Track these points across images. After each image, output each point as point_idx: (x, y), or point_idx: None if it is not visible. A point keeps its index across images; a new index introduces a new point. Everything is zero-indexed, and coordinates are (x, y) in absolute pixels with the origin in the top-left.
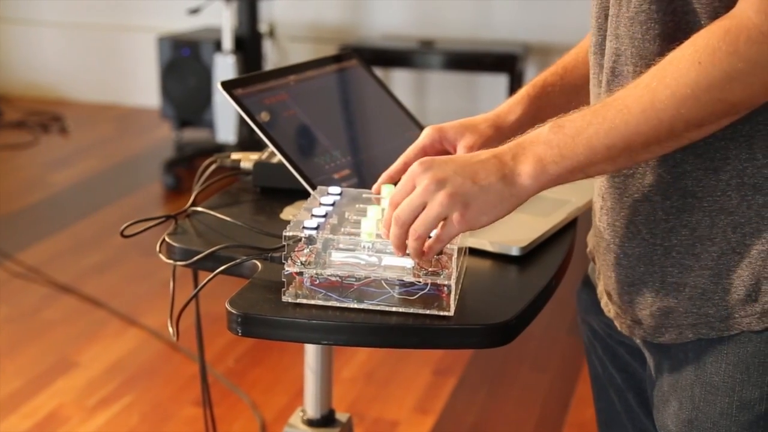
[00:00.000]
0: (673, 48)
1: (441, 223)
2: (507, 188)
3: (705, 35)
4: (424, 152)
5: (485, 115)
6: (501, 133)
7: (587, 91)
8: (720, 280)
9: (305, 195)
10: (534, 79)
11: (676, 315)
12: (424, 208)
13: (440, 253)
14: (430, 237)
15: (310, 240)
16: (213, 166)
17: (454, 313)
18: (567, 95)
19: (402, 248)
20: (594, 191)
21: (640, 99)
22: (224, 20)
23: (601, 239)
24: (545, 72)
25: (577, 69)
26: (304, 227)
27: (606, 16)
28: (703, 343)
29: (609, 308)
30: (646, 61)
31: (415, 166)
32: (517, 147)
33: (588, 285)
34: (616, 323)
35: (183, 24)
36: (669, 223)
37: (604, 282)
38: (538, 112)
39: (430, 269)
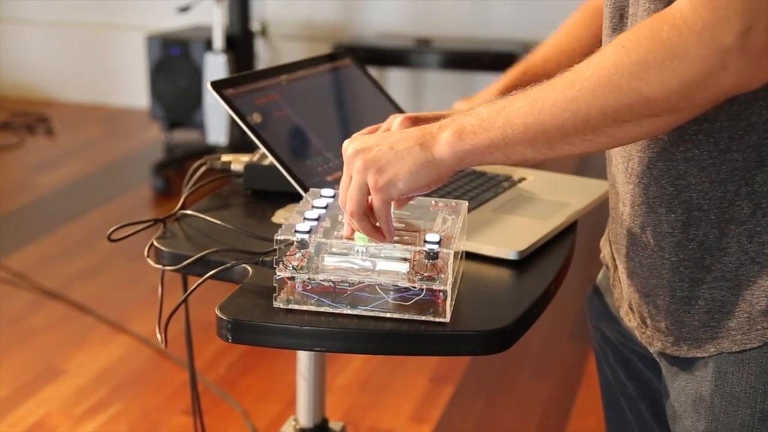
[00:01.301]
0: None
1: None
2: (423, 154)
3: (642, 22)
4: None
5: (461, 108)
6: None
7: None
8: (740, 291)
9: (297, 198)
10: (509, 72)
11: (692, 329)
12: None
13: (435, 257)
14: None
15: (302, 244)
16: (203, 169)
17: (451, 319)
18: None
19: (375, 234)
20: (612, 197)
21: (564, 79)
22: (215, 18)
23: (621, 245)
24: (521, 64)
25: (553, 63)
26: (296, 231)
27: (621, 16)
28: (725, 354)
29: (630, 317)
30: None
31: (345, 143)
32: (448, 119)
33: (599, 291)
34: (637, 333)
35: (172, 22)
36: (675, 237)
37: (625, 290)
38: None
39: (425, 274)
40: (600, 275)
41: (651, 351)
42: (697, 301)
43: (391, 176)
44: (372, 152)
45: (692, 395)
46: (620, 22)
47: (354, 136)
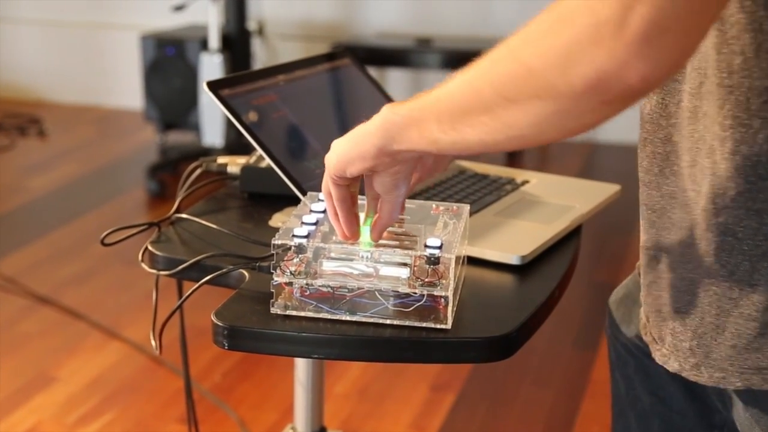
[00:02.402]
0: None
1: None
2: (360, 127)
3: None
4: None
5: None
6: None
7: None
8: (767, 332)
9: (295, 201)
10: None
11: (718, 357)
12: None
13: (436, 262)
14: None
15: (300, 249)
16: (198, 171)
17: (452, 325)
18: None
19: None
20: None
21: (487, 54)
22: (211, 17)
23: (659, 251)
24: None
25: None
26: (293, 235)
27: None
28: (760, 393)
29: (646, 330)
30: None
31: None
32: None
33: (623, 297)
34: (651, 349)
35: (167, 21)
36: (708, 258)
37: (648, 301)
38: None
39: (426, 279)
40: (628, 280)
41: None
42: (723, 332)
43: (330, 152)
44: (338, 141)
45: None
46: None
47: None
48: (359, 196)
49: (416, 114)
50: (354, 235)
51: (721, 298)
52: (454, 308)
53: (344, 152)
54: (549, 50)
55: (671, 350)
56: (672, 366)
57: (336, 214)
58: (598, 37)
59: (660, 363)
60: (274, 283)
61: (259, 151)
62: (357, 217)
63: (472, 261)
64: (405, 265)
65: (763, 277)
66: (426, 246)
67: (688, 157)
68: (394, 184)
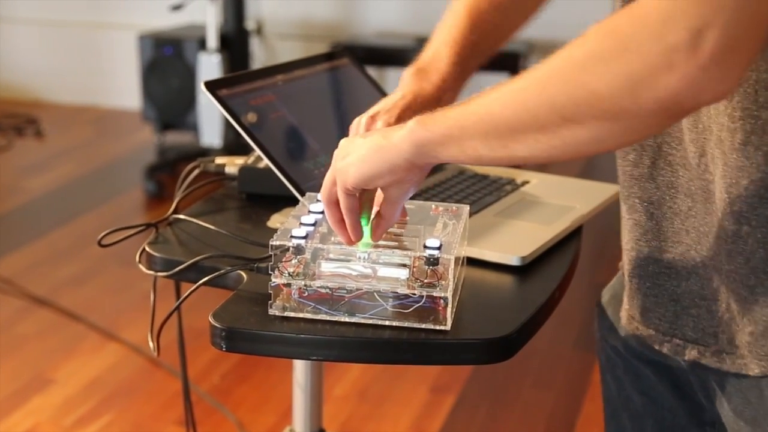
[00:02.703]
0: None
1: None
2: (380, 140)
3: (614, 13)
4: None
5: (425, 101)
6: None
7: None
8: None
9: (293, 202)
10: (455, 53)
11: (739, 344)
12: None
13: (436, 263)
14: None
15: (299, 250)
16: (196, 172)
17: (451, 326)
18: (481, 57)
19: (358, 234)
20: (671, 190)
21: (524, 73)
22: (209, 17)
23: (676, 243)
24: (462, 40)
25: (493, 33)
26: (292, 236)
27: None
28: None
29: (635, 325)
30: None
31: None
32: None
33: (611, 299)
34: (657, 345)
35: (165, 21)
36: (728, 246)
37: (644, 294)
38: (461, 85)
39: (425, 280)
40: (614, 282)
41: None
42: (742, 318)
43: (347, 162)
44: (345, 145)
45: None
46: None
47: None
48: None
49: (456, 133)
50: (359, 239)
51: (739, 286)
52: (454, 309)
53: (371, 166)
54: (616, 77)
55: (688, 341)
56: (690, 354)
57: (341, 221)
58: (670, 63)
59: (672, 354)
60: (273, 285)
61: (258, 151)
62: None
63: (472, 262)
64: (404, 266)
65: None
66: (425, 247)
67: (694, 147)
68: (409, 191)
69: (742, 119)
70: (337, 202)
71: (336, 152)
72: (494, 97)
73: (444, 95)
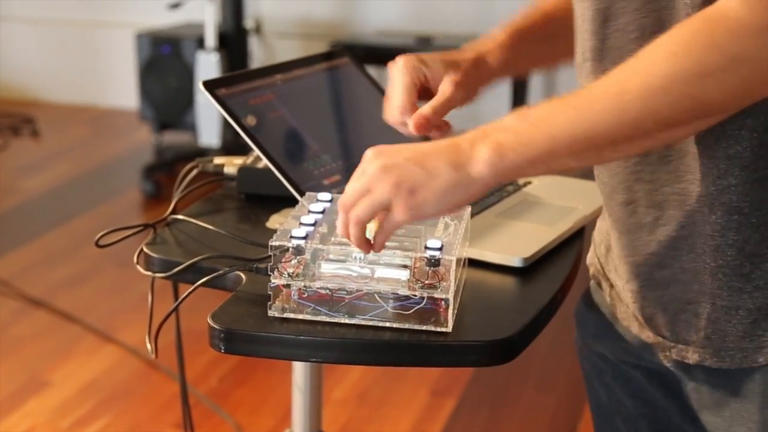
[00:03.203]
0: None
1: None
2: (459, 175)
3: (686, 24)
4: (415, 90)
5: (463, 54)
6: (481, 74)
7: (565, 42)
8: None
9: (293, 202)
10: (511, 23)
11: (735, 338)
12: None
13: (437, 264)
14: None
15: (298, 250)
16: (194, 172)
17: (453, 328)
18: (544, 44)
19: (347, 235)
20: (630, 206)
21: (608, 89)
22: (207, 15)
23: (650, 255)
24: (522, 18)
25: (557, 18)
26: (291, 236)
27: (604, 19)
28: None
29: (646, 334)
30: None
31: (367, 153)
32: (477, 133)
33: (593, 307)
34: (659, 349)
35: (163, 19)
36: (714, 241)
37: (643, 305)
38: (516, 59)
39: (426, 282)
40: (592, 290)
41: (667, 364)
42: (738, 311)
43: (422, 199)
44: (402, 171)
45: (739, 411)
46: (603, 26)
47: (379, 148)
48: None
49: (543, 157)
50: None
51: (731, 278)
52: (455, 311)
53: (450, 202)
54: (731, 87)
55: (689, 343)
56: (692, 358)
57: (365, 241)
58: None
59: (675, 359)
60: (272, 286)
61: (257, 151)
62: None
63: (473, 263)
64: (405, 266)
65: None
66: (426, 247)
67: (670, 153)
68: None
69: None
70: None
71: (384, 173)
72: (583, 118)
73: (488, 51)
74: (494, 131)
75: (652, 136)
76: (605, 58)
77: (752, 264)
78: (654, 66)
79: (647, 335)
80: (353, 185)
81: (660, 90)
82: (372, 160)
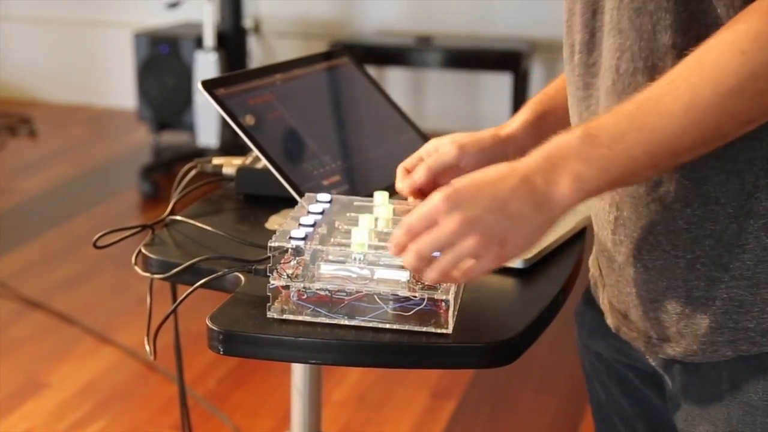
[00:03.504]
0: (690, 39)
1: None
2: (542, 216)
3: (746, 19)
4: (451, 171)
5: (494, 131)
6: (507, 151)
7: None
8: (758, 290)
9: (292, 203)
10: (531, 107)
11: (708, 331)
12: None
13: None
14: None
15: (298, 251)
16: (193, 172)
17: (453, 330)
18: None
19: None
20: (601, 202)
21: (679, 98)
22: (205, 15)
23: (616, 254)
24: (538, 100)
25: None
26: (290, 237)
27: (595, 12)
28: (739, 361)
29: (623, 330)
30: (658, 55)
31: (438, 202)
32: (546, 164)
33: (592, 306)
34: (637, 345)
35: (161, 19)
36: (691, 233)
37: (618, 301)
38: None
39: (426, 283)
40: (591, 289)
41: (653, 363)
42: (714, 302)
43: (512, 246)
44: (486, 225)
45: (706, 407)
46: (594, 17)
47: (450, 193)
48: (355, 198)
49: (624, 178)
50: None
51: (710, 268)
52: (455, 312)
53: (536, 240)
54: None
55: (662, 339)
56: (666, 353)
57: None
58: None
59: (650, 355)
60: (271, 287)
61: (256, 152)
62: None
63: None
64: (405, 267)
65: (751, 235)
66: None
67: None
68: None
69: None
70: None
71: (467, 226)
72: (662, 134)
73: (515, 135)
74: (564, 160)
75: (731, 134)
76: (594, 51)
77: (730, 254)
78: (724, 68)
79: (624, 332)
80: (433, 237)
81: (736, 91)
82: (450, 213)
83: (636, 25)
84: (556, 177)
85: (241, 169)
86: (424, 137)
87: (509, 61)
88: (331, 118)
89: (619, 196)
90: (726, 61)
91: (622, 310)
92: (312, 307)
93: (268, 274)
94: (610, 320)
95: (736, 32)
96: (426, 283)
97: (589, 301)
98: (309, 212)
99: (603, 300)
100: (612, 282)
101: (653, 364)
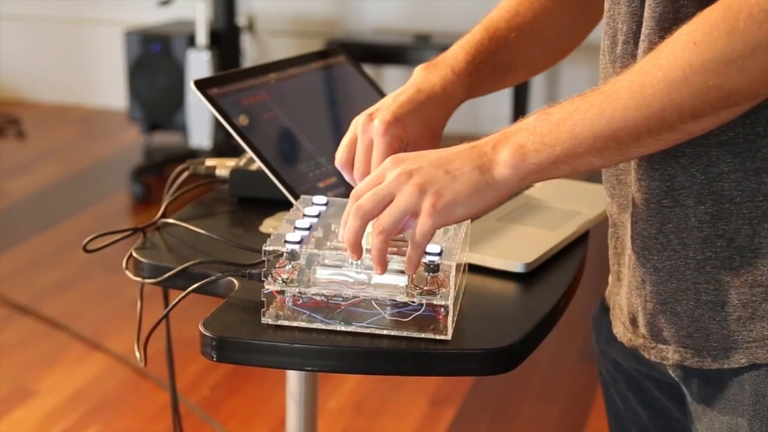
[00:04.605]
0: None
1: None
2: (483, 177)
3: (706, 13)
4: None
5: (429, 93)
6: (447, 108)
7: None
8: None
9: (287, 205)
10: (468, 52)
11: (719, 337)
12: (391, 201)
13: (436, 270)
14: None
15: (293, 255)
16: (185, 174)
17: (452, 336)
18: (497, 76)
19: (357, 246)
20: (615, 199)
21: (630, 83)
22: (198, 12)
23: (628, 252)
24: (481, 29)
25: (508, 48)
26: (285, 241)
27: (643, 1)
28: (763, 373)
29: (627, 336)
30: None
31: (386, 162)
32: (499, 136)
33: (608, 312)
34: (643, 352)
35: (152, 17)
36: (702, 233)
37: (629, 303)
38: (471, 93)
39: (425, 288)
40: (606, 292)
41: (670, 372)
42: (724, 307)
43: (450, 200)
44: (426, 174)
45: (727, 423)
46: (642, 6)
47: (398, 156)
48: (347, 200)
49: (563, 158)
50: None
51: (720, 271)
52: (455, 318)
53: (478, 206)
54: (751, 72)
55: (669, 344)
56: (673, 358)
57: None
58: None
59: (656, 360)
60: (266, 292)
61: (250, 153)
62: None
63: (474, 269)
64: (403, 272)
65: (765, 240)
66: (425, 253)
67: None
68: None
69: None
70: (373, 216)
71: (408, 177)
72: (606, 115)
73: (453, 88)
74: (516, 132)
75: (677, 128)
76: (641, 42)
77: (742, 258)
78: (676, 58)
79: (628, 338)
80: (374, 190)
81: (683, 81)
82: (392, 167)
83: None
84: (504, 146)
85: (235, 171)
86: None
87: None
88: (327, 119)
89: (633, 192)
90: (679, 51)
91: (633, 312)
92: (308, 312)
93: (263, 278)
94: (618, 329)
95: (694, 23)
96: (424, 288)
97: (606, 307)
98: (304, 215)
99: (613, 306)
100: (624, 283)
101: (673, 374)
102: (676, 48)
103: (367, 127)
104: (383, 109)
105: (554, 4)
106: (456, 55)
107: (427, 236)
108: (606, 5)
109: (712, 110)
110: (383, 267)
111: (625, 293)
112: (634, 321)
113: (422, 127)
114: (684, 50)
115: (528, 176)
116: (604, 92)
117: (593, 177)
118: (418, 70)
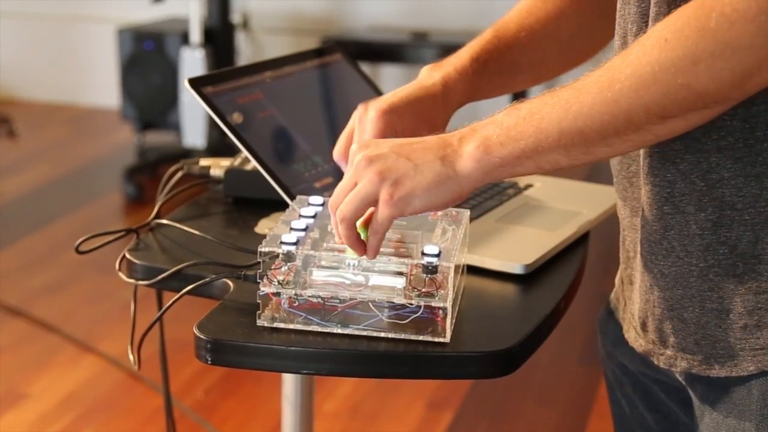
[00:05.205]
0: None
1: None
2: (445, 169)
3: (679, 11)
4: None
5: (429, 89)
6: (447, 107)
7: (523, 77)
8: None
9: (283, 206)
10: (473, 50)
11: (726, 345)
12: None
13: (434, 271)
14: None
15: (289, 256)
16: (179, 174)
17: (451, 338)
18: (504, 75)
19: (358, 245)
20: (626, 202)
21: (599, 79)
22: (192, 10)
23: (637, 257)
24: (491, 31)
25: (517, 47)
26: (281, 242)
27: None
28: None
29: (639, 341)
30: None
31: (353, 147)
32: (467, 129)
33: (614, 315)
34: (653, 357)
35: (145, 14)
36: (704, 240)
37: (640, 308)
38: (476, 92)
39: (423, 290)
40: (612, 295)
41: (677, 376)
42: (729, 315)
43: (408, 190)
44: (387, 162)
45: (734, 427)
46: (650, 6)
47: (365, 141)
48: None
49: (528, 153)
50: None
51: (723, 279)
52: (453, 320)
53: (438, 198)
54: (720, 73)
55: (676, 350)
56: (680, 366)
57: (359, 241)
58: None
59: (665, 367)
60: (261, 294)
61: (245, 152)
62: None
63: (472, 270)
64: (401, 274)
65: None
66: (423, 254)
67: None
68: None
69: None
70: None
71: (369, 163)
72: (573, 110)
73: (454, 84)
74: (483, 126)
75: (644, 129)
76: None
77: (745, 265)
78: (645, 54)
79: (639, 343)
80: (341, 183)
81: (651, 79)
82: (357, 153)
83: None
84: (469, 139)
85: (230, 171)
86: None
87: None
88: (323, 118)
89: (640, 197)
90: (650, 47)
91: (642, 317)
92: (304, 314)
93: (258, 280)
94: (630, 333)
95: (668, 20)
96: (422, 290)
97: (612, 310)
98: (300, 216)
99: (624, 310)
100: (636, 287)
101: (680, 378)
102: (646, 44)
103: (363, 117)
104: (380, 100)
105: (569, 4)
106: (460, 55)
107: (385, 225)
108: (618, 5)
109: (680, 111)
110: (361, 250)
111: (637, 298)
112: (644, 326)
113: (419, 120)
114: (654, 47)
115: (492, 171)
116: (574, 87)
117: (593, 177)
118: (424, 69)
